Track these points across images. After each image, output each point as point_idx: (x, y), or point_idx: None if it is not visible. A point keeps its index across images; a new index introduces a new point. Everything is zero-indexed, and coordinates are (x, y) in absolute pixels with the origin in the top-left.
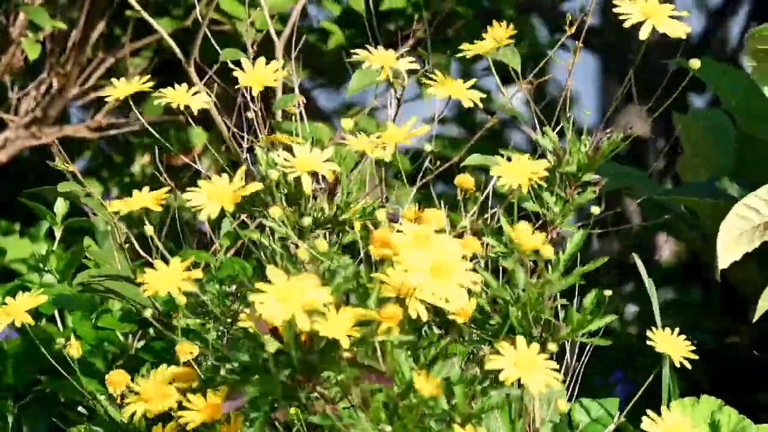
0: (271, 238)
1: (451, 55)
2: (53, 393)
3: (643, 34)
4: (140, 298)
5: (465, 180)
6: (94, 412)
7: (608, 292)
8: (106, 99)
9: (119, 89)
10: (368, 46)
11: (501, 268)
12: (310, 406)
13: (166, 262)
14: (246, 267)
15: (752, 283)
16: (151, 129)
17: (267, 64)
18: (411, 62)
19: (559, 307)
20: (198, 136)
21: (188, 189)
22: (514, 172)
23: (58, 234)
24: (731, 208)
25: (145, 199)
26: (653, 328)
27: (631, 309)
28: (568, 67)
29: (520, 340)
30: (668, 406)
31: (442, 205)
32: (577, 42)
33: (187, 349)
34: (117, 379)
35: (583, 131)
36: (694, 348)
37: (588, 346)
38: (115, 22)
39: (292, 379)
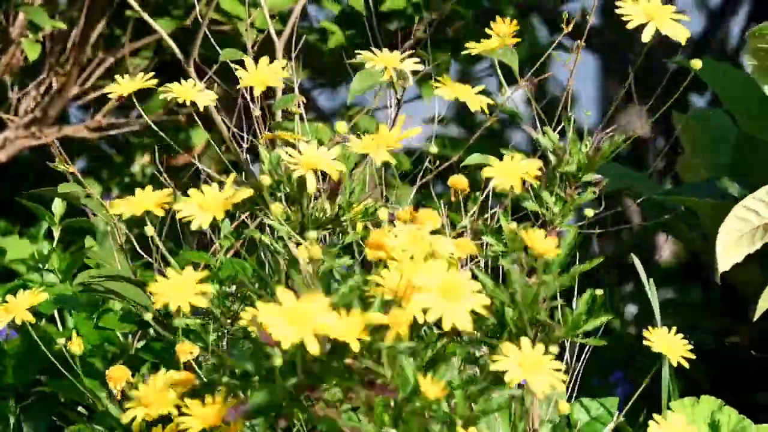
0: (271, 236)
1: (451, 55)
2: (53, 393)
3: (646, 36)
4: (140, 299)
5: (459, 180)
6: (95, 411)
7: (600, 292)
8: (108, 96)
9: (123, 86)
10: (371, 48)
11: (499, 267)
12: (312, 411)
13: (167, 262)
14: (246, 267)
15: (753, 284)
16: (155, 128)
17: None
18: (416, 63)
19: (559, 307)
20: (199, 136)
21: (186, 191)
22: (506, 172)
23: (56, 234)
24: (731, 209)
25: (147, 202)
26: (650, 328)
27: (631, 309)
28: (569, 66)
29: (525, 341)
30: (668, 406)
31: (442, 204)
32: (579, 42)
33: (187, 350)
34: (117, 374)
35: (584, 131)
36: (692, 348)
37: (587, 346)
38: (115, 22)
39: (296, 388)
